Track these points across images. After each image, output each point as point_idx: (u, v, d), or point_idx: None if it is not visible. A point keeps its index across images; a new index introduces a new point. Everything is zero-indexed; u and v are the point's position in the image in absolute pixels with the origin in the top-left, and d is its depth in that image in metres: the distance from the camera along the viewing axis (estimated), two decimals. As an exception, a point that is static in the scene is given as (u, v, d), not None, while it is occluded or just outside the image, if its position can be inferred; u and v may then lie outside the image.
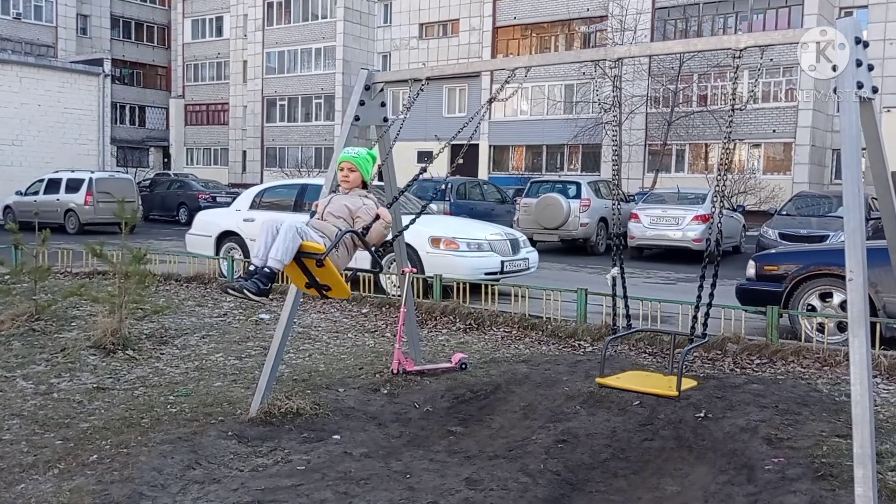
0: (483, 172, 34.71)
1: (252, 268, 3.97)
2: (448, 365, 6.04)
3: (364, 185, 4.43)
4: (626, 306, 4.65)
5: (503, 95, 4.93)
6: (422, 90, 5.08)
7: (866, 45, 3.58)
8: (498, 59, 5.64)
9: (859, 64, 3.51)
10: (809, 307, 7.39)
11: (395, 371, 5.78)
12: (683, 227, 15.86)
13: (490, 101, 4.91)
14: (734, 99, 4.10)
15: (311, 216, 4.37)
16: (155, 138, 52.91)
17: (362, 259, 4.65)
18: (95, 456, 4.11)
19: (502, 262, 10.07)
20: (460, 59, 37.60)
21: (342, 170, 4.42)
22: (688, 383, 4.26)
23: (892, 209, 4.08)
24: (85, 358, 6.23)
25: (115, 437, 4.39)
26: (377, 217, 4.25)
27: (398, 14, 42.33)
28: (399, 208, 5.59)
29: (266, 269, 3.90)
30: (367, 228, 4.19)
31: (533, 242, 13.47)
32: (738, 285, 7.97)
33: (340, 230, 4.09)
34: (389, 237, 4.40)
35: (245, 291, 3.88)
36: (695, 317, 4.15)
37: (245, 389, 5.37)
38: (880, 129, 3.99)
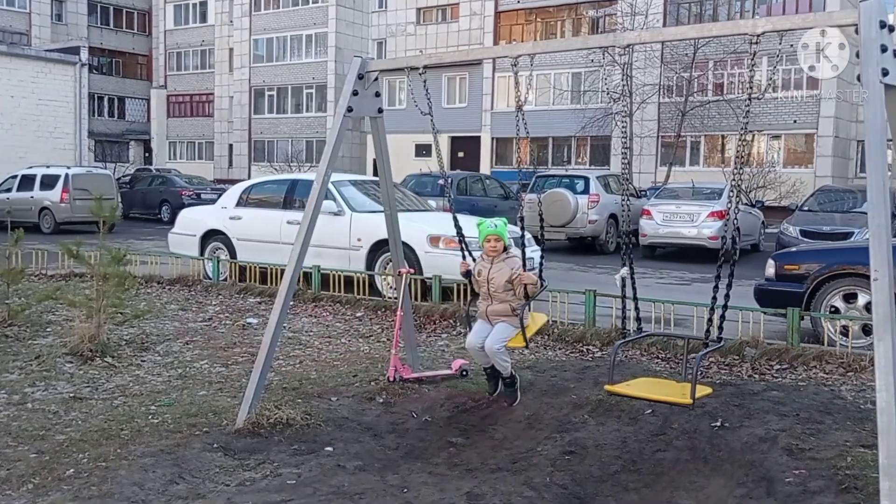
0: (485, 166, 34.72)
1: (489, 370, 5.48)
2: (448, 372, 6.05)
3: (504, 249, 5.38)
4: (637, 309, 4.66)
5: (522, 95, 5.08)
6: (425, 81, 5.09)
7: (892, 29, 3.58)
8: (500, 46, 5.67)
9: (884, 49, 3.52)
10: (832, 309, 7.39)
11: (391, 378, 5.78)
12: (698, 225, 15.86)
13: (520, 108, 5.07)
14: (752, 87, 4.10)
15: (467, 276, 5.48)
16: (135, 131, 52.93)
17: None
18: (72, 470, 4.12)
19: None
20: (460, 46, 37.55)
21: (488, 241, 5.34)
22: (703, 390, 4.27)
23: (920, 204, 4.07)
24: (61, 366, 6.23)
25: (94, 450, 4.39)
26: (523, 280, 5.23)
27: (394, -2, 42.34)
28: (395, 205, 5.60)
29: (509, 379, 5.39)
30: (526, 294, 5.28)
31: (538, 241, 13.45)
32: (757, 286, 7.99)
33: (517, 312, 5.27)
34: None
35: (514, 404, 5.33)
36: (710, 319, 4.16)
37: (231, 398, 5.37)
38: (907, 119, 3.99)
